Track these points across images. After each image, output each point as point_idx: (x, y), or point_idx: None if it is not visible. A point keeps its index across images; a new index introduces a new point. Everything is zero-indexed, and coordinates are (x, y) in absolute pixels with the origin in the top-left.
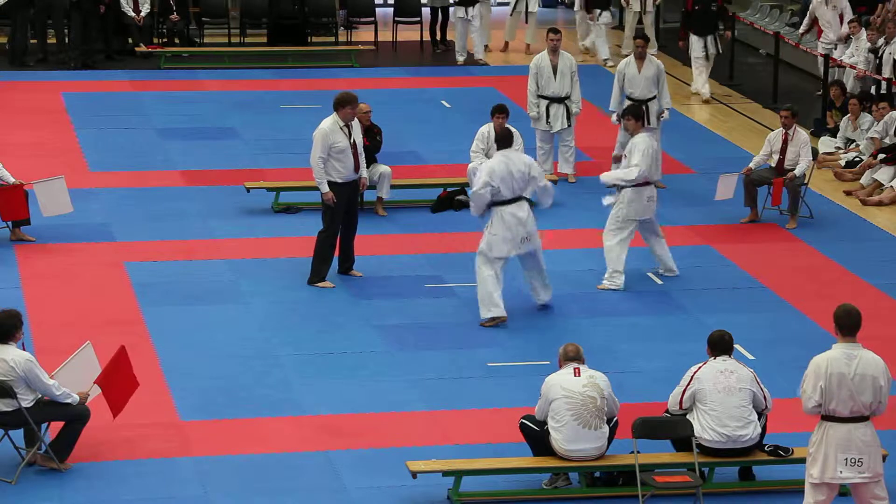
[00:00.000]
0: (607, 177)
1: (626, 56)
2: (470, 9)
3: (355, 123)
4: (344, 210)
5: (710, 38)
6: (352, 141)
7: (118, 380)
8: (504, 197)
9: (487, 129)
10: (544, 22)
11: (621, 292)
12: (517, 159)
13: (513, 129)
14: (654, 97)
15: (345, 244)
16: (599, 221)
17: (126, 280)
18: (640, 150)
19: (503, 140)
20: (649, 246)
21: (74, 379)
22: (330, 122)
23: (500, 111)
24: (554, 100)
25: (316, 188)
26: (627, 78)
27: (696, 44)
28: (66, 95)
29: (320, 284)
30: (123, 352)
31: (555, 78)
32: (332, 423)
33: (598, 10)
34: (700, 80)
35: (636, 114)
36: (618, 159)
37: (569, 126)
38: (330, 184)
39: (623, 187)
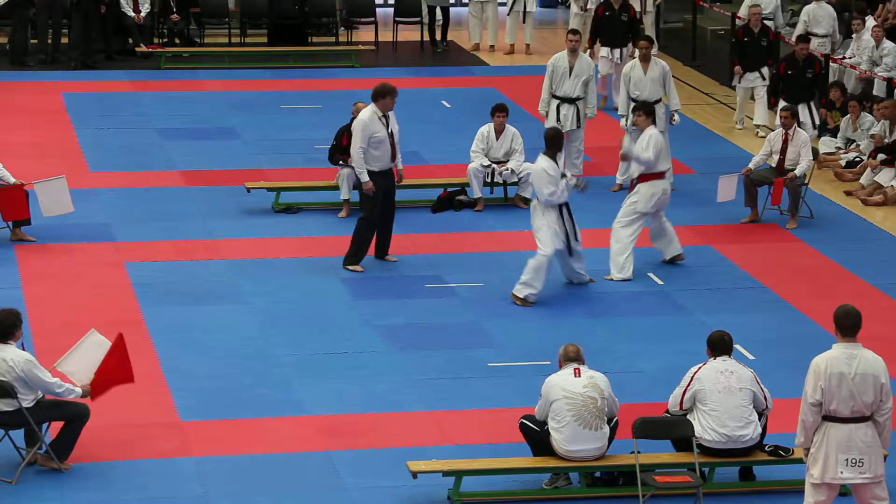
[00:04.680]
0: (625, 143)
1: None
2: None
3: (391, 114)
4: (382, 198)
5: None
6: (389, 131)
7: (112, 367)
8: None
9: (487, 129)
10: (544, 22)
11: (621, 292)
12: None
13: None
14: (660, 100)
15: (382, 231)
16: (601, 221)
17: (126, 280)
18: (651, 141)
19: (553, 140)
20: (655, 233)
21: (81, 367)
22: (369, 112)
23: (500, 110)
24: (565, 100)
25: (317, 188)
26: (633, 80)
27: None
28: (66, 95)
29: (352, 268)
30: (121, 340)
31: (569, 78)
32: (332, 423)
33: (743, 71)
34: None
35: (647, 110)
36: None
37: (578, 127)
38: (368, 172)
39: (638, 182)
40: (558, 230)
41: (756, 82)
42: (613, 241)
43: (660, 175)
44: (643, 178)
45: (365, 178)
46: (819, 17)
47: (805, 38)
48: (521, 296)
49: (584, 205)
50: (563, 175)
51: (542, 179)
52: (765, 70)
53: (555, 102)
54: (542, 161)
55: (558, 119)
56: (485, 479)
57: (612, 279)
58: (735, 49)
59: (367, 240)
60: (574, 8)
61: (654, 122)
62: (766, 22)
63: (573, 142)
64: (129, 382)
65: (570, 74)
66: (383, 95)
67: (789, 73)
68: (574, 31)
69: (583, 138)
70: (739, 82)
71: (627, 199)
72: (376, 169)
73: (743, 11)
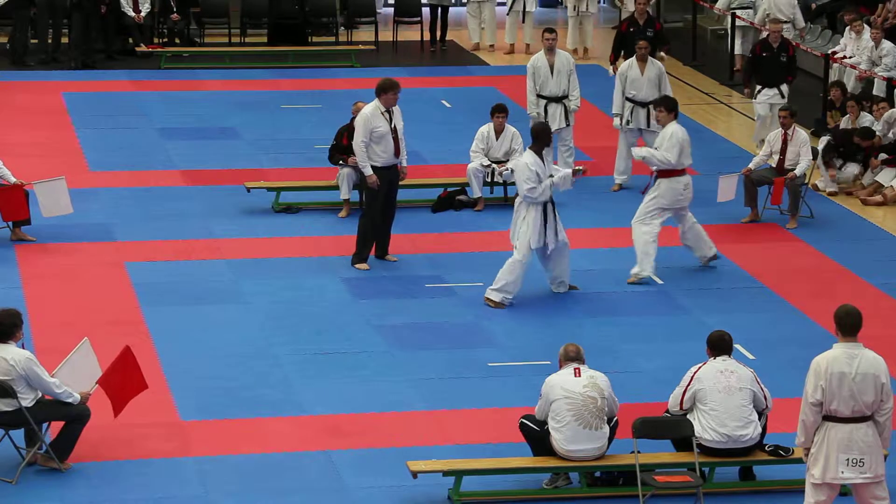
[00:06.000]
0: (639, 151)
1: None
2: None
3: (396, 109)
4: (384, 194)
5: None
6: (392, 126)
7: (121, 380)
8: None
9: (487, 129)
10: (544, 22)
11: (621, 292)
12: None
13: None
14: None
15: (381, 230)
16: (599, 221)
17: (126, 280)
18: (671, 139)
19: (541, 135)
20: (683, 235)
21: (76, 377)
22: (371, 107)
23: (499, 110)
24: (552, 99)
25: (317, 188)
26: (630, 80)
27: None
28: (66, 95)
29: (359, 266)
30: (129, 352)
31: (552, 77)
32: (333, 423)
33: (759, 87)
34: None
35: (668, 105)
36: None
37: (567, 125)
38: (371, 167)
39: (658, 177)
40: (539, 229)
41: (775, 99)
42: (636, 238)
43: (681, 171)
44: (663, 173)
45: (368, 171)
46: (780, 4)
47: (871, 134)
48: (495, 299)
49: (584, 204)
50: (550, 176)
51: (524, 174)
52: (784, 87)
53: (542, 102)
54: (527, 156)
55: (546, 119)
56: (485, 479)
57: (635, 280)
58: (750, 64)
59: (371, 237)
60: (569, 10)
61: (675, 118)
62: (785, 35)
63: (564, 140)
64: (144, 390)
65: (552, 73)
66: (385, 90)
67: (835, 145)
68: (550, 30)
69: (572, 136)
70: (755, 99)
71: (649, 194)
72: (379, 164)
73: (723, 4)
